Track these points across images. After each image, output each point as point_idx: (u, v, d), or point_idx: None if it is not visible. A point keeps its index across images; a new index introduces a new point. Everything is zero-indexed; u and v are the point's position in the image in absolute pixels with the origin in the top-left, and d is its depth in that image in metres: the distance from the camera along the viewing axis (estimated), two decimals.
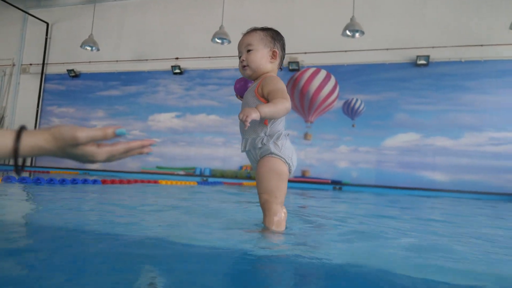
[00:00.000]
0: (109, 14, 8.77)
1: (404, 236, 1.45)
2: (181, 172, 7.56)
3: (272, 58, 1.51)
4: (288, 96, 1.37)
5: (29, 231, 1.19)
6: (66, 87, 8.98)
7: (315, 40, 7.35)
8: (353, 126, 6.93)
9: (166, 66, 8.20)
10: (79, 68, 8.86)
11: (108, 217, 1.54)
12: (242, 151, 1.50)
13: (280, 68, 1.58)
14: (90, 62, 8.71)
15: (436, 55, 6.70)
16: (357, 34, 6.14)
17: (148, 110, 8.34)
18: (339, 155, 7.01)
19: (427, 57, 6.66)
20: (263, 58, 1.50)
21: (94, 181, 3.44)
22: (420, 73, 6.81)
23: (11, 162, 0.73)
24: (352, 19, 6.05)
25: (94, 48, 7.51)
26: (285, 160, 1.42)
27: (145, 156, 8.18)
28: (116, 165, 8.27)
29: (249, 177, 7.22)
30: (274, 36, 1.53)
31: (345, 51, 7.13)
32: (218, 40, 6.79)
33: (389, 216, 2.23)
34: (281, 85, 1.41)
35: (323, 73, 6.56)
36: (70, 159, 0.79)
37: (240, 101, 1.65)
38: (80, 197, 2.39)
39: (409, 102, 6.83)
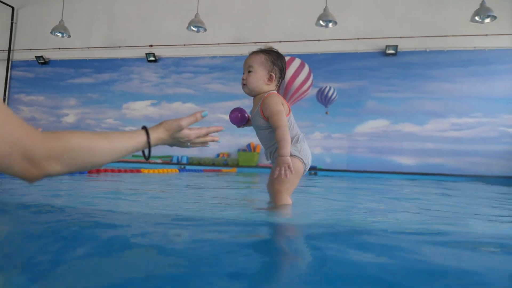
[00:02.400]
0: None
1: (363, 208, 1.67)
2: (158, 161, 7.60)
3: (269, 80, 1.69)
4: (281, 118, 1.58)
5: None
6: (34, 74, 8.71)
7: (290, 29, 7.50)
8: (326, 113, 7.18)
9: (140, 53, 8.12)
10: (48, 54, 8.60)
11: (144, 200, 1.66)
12: (267, 160, 1.77)
13: (277, 87, 1.76)
14: (60, 49, 8.47)
15: (404, 45, 7.03)
16: (330, 24, 6.33)
17: (122, 98, 8.26)
18: (314, 141, 7.26)
19: (395, 47, 6.97)
20: (260, 80, 1.68)
21: (80, 173, 3.48)
22: (389, 62, 7.13)
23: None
24: (325, 9, 6.23)
25: (65, 35, 7.32)
26: (302, 160, 1.67)
27: None
28: None
29: (226, 164, 7.37)
30: (275, 60, 1.69)
31: (318, 40, 7.33)
32: (193, 28, 6.80)
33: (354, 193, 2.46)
34: (277, 108, 1.60)
35: (297, 62, 6.72)
36: (175, 143, 1.11)
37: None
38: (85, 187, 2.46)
39: (379, 90, 7.15)
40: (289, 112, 1.72)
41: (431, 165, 6.82)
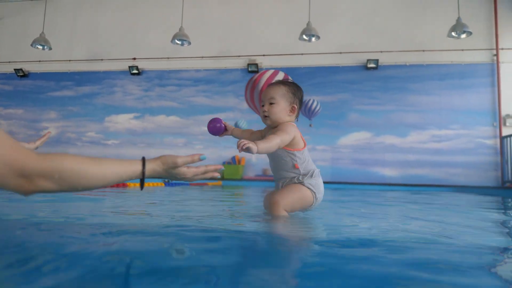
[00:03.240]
0: (62, 11, 8.43)
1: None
2: None
3: (291, 111, 1.72)
4: (282, 134, 1.59)
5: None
6: (13, 87, 8.50)
7: (273, 43, 7.60)
8: (310, 126, 7.25)
9: (123, 66, 8.06)
10: (28, 67, 8.43)
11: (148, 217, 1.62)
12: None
13: (297, 118, 1.79)
14: (40, 61, 8.32)
15: (385, 59, 7.22)
16: (313, 38, 6.46)
17: (104, 111, 8.14)
18: None
19: (376, 61, 7.15)
20: (282, 112, 1.70)
21: None
22: (370, 75, 7.29)
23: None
24: (308, 24, 6.35)
25: (45, 47, 7.20)
26: (314, 193, 1.70)
27: None
28: None
29: (211, 178, 7.31)
30: (295, 92, 1.73)
31: (302, 54, 7.45)
32: (178, 42, 6.81)
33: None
34: (285, 127, 1.63)
35: (281, 75, 6.74)
36: (169, 177, 1.12)
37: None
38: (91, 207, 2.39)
39: (361, 102, 7.29)
40: (305, 146, 1.73)
41: (413, 176, 6.96)
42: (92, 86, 8.22)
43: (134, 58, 8.04)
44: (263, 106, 1.72)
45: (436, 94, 7.08)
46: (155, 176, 1.09)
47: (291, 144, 1.66)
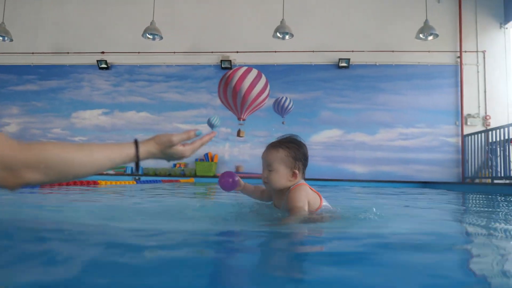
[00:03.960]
0: (24, 0, 8.00)
1: None
2: (111, 172, 7.28)
3: (293, 177, 1.59)
4: (300, 212, 1.50)
5: None
6: None
7: (247, 40, 7.58)
8: (283, 123, 7.32)
9: (91, 60, 7.77)
10: None
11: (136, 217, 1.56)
12: None
13: (303, 177, 1.67)
14: (0, 53, 7.86)
15: (356, 59, 7.38)
16: (286, 36, 6.49)
17: (71, 106, 7.83)
18: None
19: (347, 60, 7.30)
20: (282, 179, 1.59)
21: (32, 186, 3.25)
22: (342, 74, 7.44)
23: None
24: (282, 22, 6.38)
25: (6, 39, 6.81)
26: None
27: None
28: None
29: (183, 174, 7.24)
30: (296, 155, 1.60)
31: (275, 51, 7.48)
32: (149, 36, 6.65)
33: None
34: (299, 202, 1.53)
35: (254, 72, 6.81)
36: (166, 158, 1.09)
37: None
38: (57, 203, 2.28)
39: (333, 101, 7.43)
40: (321, 201, 1.64)
41: (382, 172, 7.20)
42: (58, 81, 7.87)
43: (103, 52, 7.78)
44: (263, 170, 1.63)
45: (403, 93, 7.33)
46: (150, 157, 1.04)
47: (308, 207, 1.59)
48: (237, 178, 1.75)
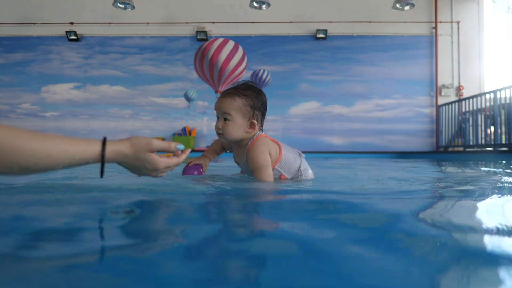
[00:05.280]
0: None
1: None
2: None
3: (250, 128, 1.50)
4: (266, 173, 1.45)
5: None
6: None
7: (222, 10, 7.37)
8: None
9: (59, 31, 7.40)
10: None
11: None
12: None
13: (261, 129, 1.57)
14: None
15: (333, 30, 7.32)
16: (263, 6, 6.34)
17: (40, 80, 7.49)
18: None
19: (325, 31, 7.23)
20: (239, 130, 1.49)
21: None
22: (319, 45, 7.38)
23: None
24: None
25: None
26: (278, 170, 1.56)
27: (40, 131, 7.43)
28: None
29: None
30: (254, 103, 1.49)
31: (252, 22, 7.32)
32: (120, 5, 6.36)
33: None
34: (262, 161, 1.45)
35: (231, 44, 6.66)
36: (137, 167, 0.92)
37: None
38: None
39: (311, 73, 7.40)
40: (280, 151, 1.55)
41: (359, 143, 7.31)
42: (24, 53, 7.48)
43: (71, 23, 7.40)
44: (217, 119, 1.51)
45: (380, 64, 7.36)
46: (120, 160, 0.88)
47: None
48: (199, 172, 1.62)
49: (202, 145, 7.33)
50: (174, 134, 7.31)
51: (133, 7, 6.43)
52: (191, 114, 7.41)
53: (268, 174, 1.46)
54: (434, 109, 7.27)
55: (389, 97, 7.36)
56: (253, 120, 1.50)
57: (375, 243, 0.58)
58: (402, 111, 7.35)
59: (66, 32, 7.30)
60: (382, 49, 7.36)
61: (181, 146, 0.97)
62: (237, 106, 1.47)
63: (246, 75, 7.08)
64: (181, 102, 7.32)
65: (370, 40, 7.36)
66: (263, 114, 1.55)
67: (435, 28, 7.22)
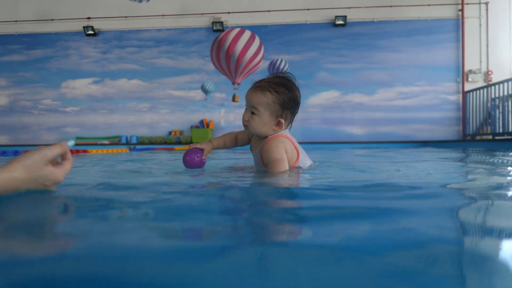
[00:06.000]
0: None
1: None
2: (106, 142, 7.16)
3: (277, 126, 1.41)
4: (281, 166, 1.34)
5: None
6: None
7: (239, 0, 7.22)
8: None
9: (77, 27, 7.45)
10: None
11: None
12: None
13: (289, 127, 1.48)
14: None
15: (353, 16, 7.06)
16: None
17: (60, 76, 7.58)
18: None
19: (344, 17, 6.98)
20: (265, 126, 1.41)
21: (15, 152, 3.15)
22: (338, 33, 7.14)
23: None
24: None
25: None
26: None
27: (62, 126, 7.57)
28: (30, 138, 7.55)
29: (179, 142, 7.13)
30: (285, 102, 1.39)
31: (268, 11, 7.15)
32: None
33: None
34: (277, 155, 1.35)
35: (247, 34, 6.53)
36: (36, 183, 0.78)
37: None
38: None
39: (330, 61, 7.18)
40: (298, 156, 1.46)
41: (381, 133, 7.07)
42: (44, 50, 7.58)
43: (88, 18, 7.43)
44: (246, 109, 1.43)
45: (403, 50, 7.06)
46: (13, 188, 0.74)
47: None
48: (201, 158, 1.50)
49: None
50: (191, 127, 7.28)
51: (148, 0, 6.36)
52: (208, 106, 7.35)
53: (284, 168, 1.35)
54: (460, 95, 6.94)
55: (413, 84, 7.07)
56: (281, 119, 1.41)
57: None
58: (427, 99, 7.05)
59: (84, 27, 7.33)
60: (405, 34, 7.05)
61: (71, 142, 0.87)
62: (266, 102, 1.38)
63: (263, 65, 6.95)
64: (198, 94, 7.26)
65: (392, 25, 7.06)
66: (293, 113, 1.45)
67: (462, 10, 6.85)
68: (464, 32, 6.87)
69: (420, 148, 5.69)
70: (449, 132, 6.98)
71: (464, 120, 6.83)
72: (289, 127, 1.51)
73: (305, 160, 1.54)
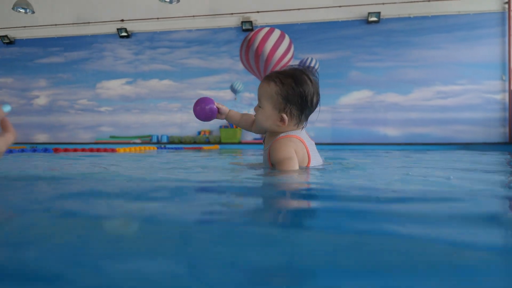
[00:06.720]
0: None
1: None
2: (137, 140, 7.31)
3: (281, 122, 1.28)
4: (290, 164, 1.22)
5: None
6: (0, 55, 8.19)
7: None
8: None
9: (111, 29, 7.67)
10: (13, 33, 8.07)
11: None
12: None
13: (302, 126, 1.33)
14: (25, 27, 7.95)
15: (387, 12, 6.75)
16: None
17: (95, 77, 7.85)
18: None
19: (378, 14, 6.70)
20: (269, 120, 1.30)
21: (45, 150, 3.24)
22: (371, 30, 6.86)
23: None
24: None
25: (28, 11, 6.82)
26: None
27: (97, 126, 7.82)
28: (67, 137, 7.85)
29: (208, 142, 7.14)
30: (289, 95, 1.25)
31: (299, 9, 7.00)
32: None
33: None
34: (285, 154, 1.23)
35: (277, 32, 6.42)
36: None
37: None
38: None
39: (362, 59, 6.91)
40: (309, 161, 1.31)
41: (416, 134, 6.70)
42: (80, 52, 7.88)
43: (122, 20, 7.64)
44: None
45: (441, 47, 6.66)
46: None
47: None
48: (215, 106, 1.45)
49: (249, 137, 7.20)
50: (220, 127, 7.27)
51: (178, 1, 6.43)
52: (237, 106, 7.30)
53: (293, 167, 1.23)
54: (506, 94, 6.43)
55: (453, 82, 6.65)
56: (283, 114, 1.27)
57: None
58: (468, 98, 6.60)
59: (117, 29, 7.54)
60: (444, 30, 6.64)
61: (8, 108, 0.79)
62: (269, 94, 1.27)
63: (293, 65, 6.80)
64: (228, 94, 7.24)
65: (430, 20, 6.68)
66: (301, 110, 1.28)
67: (508, 2, 6.35)
68: (511, 26, 6.36)
69: (461, 150, 5.31)
70: (493, 134, 6.49)
71: (511, 121, 6.32)
72: (302, 127, 1.35)
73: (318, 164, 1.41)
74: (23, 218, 0.61)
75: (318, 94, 1.31)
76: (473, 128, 6.56)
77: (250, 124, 1.56)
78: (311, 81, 1.28)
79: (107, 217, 0.62)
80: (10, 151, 3.03)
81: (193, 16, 7.37)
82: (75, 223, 0.58)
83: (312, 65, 6.88)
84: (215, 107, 1.45)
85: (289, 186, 1.00)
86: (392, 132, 6.81)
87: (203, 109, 1.43)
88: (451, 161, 2.38)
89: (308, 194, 0.90)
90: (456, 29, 6.61)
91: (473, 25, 6.52)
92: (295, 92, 1.25)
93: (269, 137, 1.39)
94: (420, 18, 6.71)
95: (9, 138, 0.79)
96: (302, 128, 1.36)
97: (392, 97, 6.81)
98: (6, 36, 7.97)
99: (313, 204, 0.79)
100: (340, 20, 6.94)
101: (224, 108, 1.50)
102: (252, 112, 1.47)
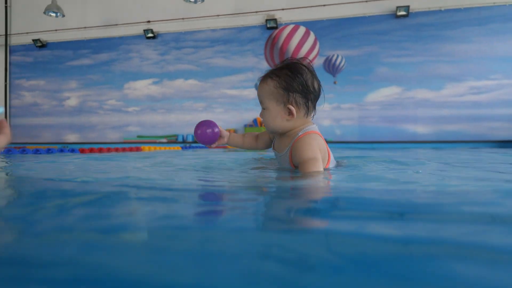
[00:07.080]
0: None
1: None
2: (164, 140, 7.41)
3: (290, 116, 1.23)
4: (316, 165, 1.16)
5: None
6: (33, 58, 8.50)
7: None
8: (334, 83, 6.82)
9: (138, 30, 7.80)
10: (45, 37, 8.35)
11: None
12: None
13: (311, 114, 1.28)
14: (56, 30, 8.20)
15: (416, 5, 6.54)
16: None
17: (123, 78, 8.01)
18: (322, 113, 6.94)
19: (407, 8, 6.50)
20: (276, 118, 1.24)
21: (72, 150, 3.30)
22: (400, 24, 6.67)
23: None
24: None
25: (58, 15, 7.03)
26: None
27: (124, 126, 7.97)
28: (96, 137, 8.05)
29: None
30: (288, 84, 1.20)
31: (323, 5, 6.89)
32: None
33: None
34: (310, 154, 1.18)
35: (302, 30, 6.33)
36: None
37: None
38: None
39: (390, 55, 6.73)
40: (329, 158, 1.29)
41: (448, 132, 6.46)
42: (109, 53, 8.06)
43: (149, 21, 7.75)
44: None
45: (475, 41, 6.39)
46: None
47: None
48: (216, 129, 1.37)
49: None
50: (245, 125, 7.26)
51: (202, 0, 6.45)
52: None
53: (319, 168, 1.17)
54: None
55: (487, 78, 6.37)
56: (290, 106, 1.22)
57: None
58: (504, 94, 6.30)
59: (144, 30, 7.66)
60: (477, 23, 6.37)
61: (1, 109, 0.75)
62: (269, 91, 1.23)
63: (318, 62, 6.71)
64: (252, 93, 7.22)
65: (462, 13, 6.42)
66: (305, 97, 1.23)
67: None
68: None
69: (498, 149, 5.08)
70: None
71: None
72: (312, 116, 1.29)
73: (334, 162, 1.37)
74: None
75: (318, 80, 1.26)
76: (509, 125, 6.26)
77: (254, 142, 1.52)
78: (306, 67, 1.24)
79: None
80: (8, 150, 3.02)
81: (218, 15, 7.39)
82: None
83: (338, 61, 6.77)
84: (217, 130, 1.38)
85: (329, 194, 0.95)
86: (422, 130, 6.59)
87: (205, 132, 1.36)
88: None
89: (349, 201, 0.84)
90: (489, 21, 6.33)
91: (508, 16, 6.22)
92: (293, 79, 1.21)
93: (282, 140, 1.32)
94: (452, 10, 6.46)
95: (2, 140, 0.78)
96: (312, 117, 1.31)
97: (422, 93, 6.59)
98: (38, 39, 8.25)
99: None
100: (366, 15, 6.78)
101: (225, 132, 1.44)
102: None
